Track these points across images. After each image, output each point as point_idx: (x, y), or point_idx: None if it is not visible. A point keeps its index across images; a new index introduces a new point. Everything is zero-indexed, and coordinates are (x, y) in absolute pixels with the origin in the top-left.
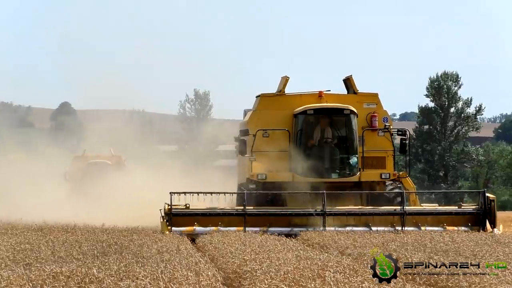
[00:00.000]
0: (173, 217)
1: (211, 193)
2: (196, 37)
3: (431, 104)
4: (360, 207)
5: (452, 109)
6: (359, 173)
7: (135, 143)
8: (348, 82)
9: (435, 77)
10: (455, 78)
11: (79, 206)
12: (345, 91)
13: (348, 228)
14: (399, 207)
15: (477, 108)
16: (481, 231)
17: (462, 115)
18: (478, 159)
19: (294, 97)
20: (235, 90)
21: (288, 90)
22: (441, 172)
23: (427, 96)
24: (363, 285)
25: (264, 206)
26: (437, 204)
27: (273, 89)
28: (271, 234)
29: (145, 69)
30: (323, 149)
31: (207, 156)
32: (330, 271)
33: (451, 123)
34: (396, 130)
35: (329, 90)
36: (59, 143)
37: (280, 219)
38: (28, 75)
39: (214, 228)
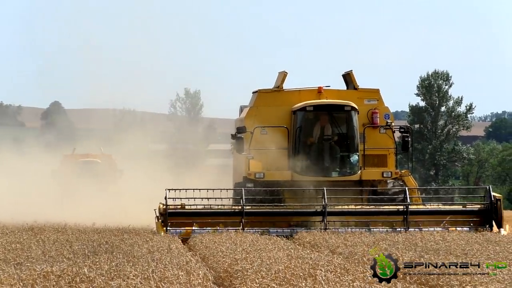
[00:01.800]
0: (168, 217)
1: (208, 196)
2: (187, 36)
3: (422, 103)
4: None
5: (443, 108)
6: (360, 171)
7: (125, 142)
8: (348, 78)
9: (425, 76)
10: (446, 77)
11: (69, 205)
12: (344, 87)
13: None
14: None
15: (467, 107)
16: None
17: (453, 114)
18: (468, 158)
19: (292, 93)
20: (226, 89)
21: (285, 85)
22: (431, 171)
23: (417, 95)
24: (354, 284)
25: (263, 205)
26: (440, 204)
27: (268, 85)
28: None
29: (136, 69)
30: (323, 146)
31: (198, 155)
32: (321, 270)
33: (441, 122)
34: (398, 127)
35: (329, 86)
36: (49, 142)
37: (280, 219)
38: (19, 75)
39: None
